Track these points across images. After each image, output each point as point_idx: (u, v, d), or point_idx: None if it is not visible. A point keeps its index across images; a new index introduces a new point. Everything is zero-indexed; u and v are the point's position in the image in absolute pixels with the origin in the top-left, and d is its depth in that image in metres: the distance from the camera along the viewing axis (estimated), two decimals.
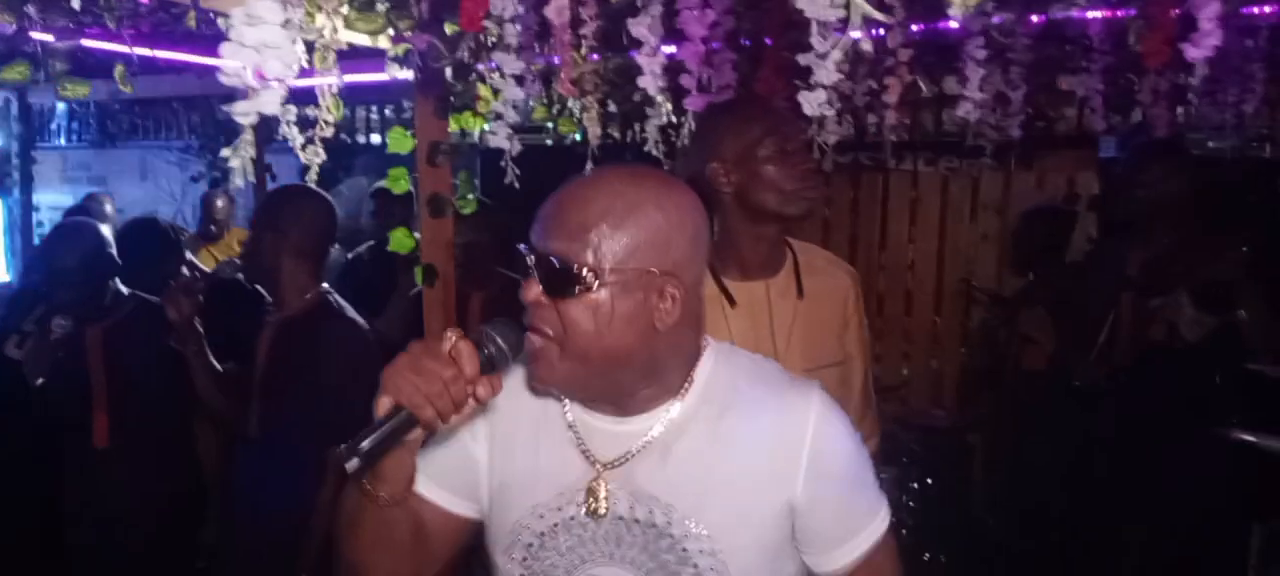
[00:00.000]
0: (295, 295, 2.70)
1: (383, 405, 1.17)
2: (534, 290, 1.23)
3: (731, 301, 1.98)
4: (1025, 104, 3.12)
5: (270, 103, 1.28)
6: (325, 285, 2.77)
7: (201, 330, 2.80)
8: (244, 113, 1.28)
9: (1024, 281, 4.22)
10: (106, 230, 3.12)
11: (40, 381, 2.95)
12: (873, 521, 1.35)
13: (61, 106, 7.83)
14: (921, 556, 3.91)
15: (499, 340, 1.23)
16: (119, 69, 2.65)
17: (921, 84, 2.74)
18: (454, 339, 1.19)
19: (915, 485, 4.05)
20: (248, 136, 1.30)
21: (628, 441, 1.30)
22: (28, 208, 5.88)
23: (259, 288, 2.89)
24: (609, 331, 1.21)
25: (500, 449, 1.38)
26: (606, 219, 1.21)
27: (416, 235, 2.70)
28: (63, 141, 8.03)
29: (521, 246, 1.26)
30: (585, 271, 1.19)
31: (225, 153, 1.34)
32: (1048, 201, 4.68)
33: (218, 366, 2.85)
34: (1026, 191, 4.87)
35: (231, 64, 1.32)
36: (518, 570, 1.35)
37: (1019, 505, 4.05)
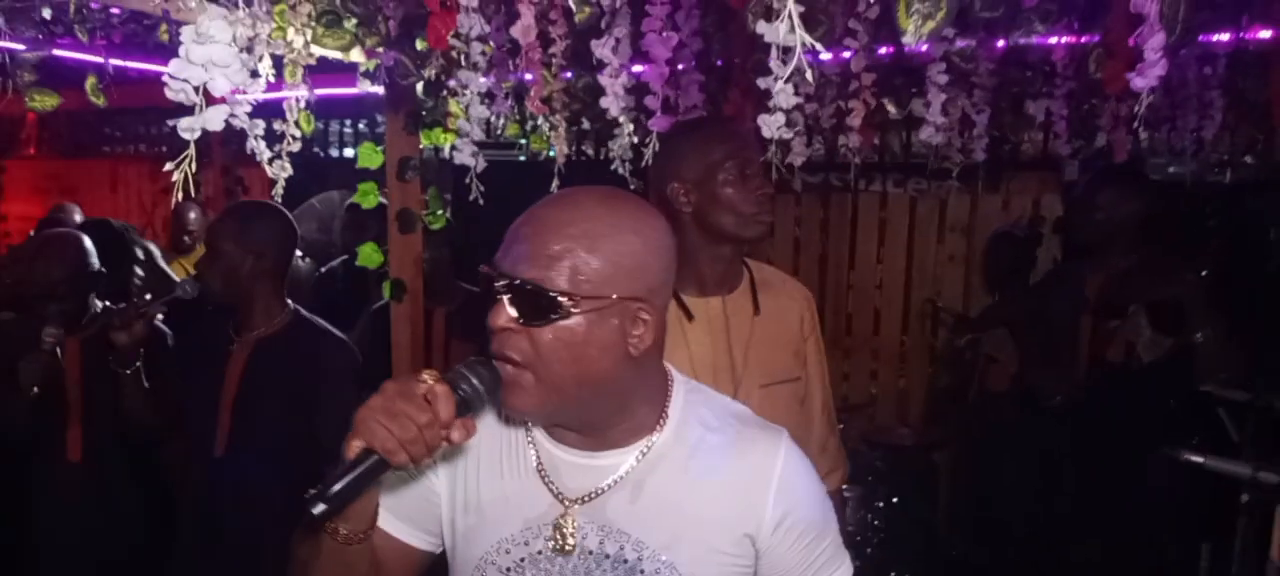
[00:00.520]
0: (268, 314, 2.69)
1: (354, 448, 1.14)
2: (504, 316, 1.19)
3: (689, 316, 2.01)
4: (990, 127, 3.18)
5: (215, 120, 1.29)
6: (291, 302, 2.77)
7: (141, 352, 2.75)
8: (188, 128, 1.28)
9: (989, 302, 4.28)
10: (88, 243, 3.11)
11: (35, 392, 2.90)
12: (838, 565, 1.37)
13: (31, 115, 7.76)
14: (887, 574, 3.95)
15: (474, 381, 1.19)
16: (90, 81, 2.64)
17: (888, 106, 2.79)
18: (429, 381, 1.15)
19: (881, 503, 4.09)
20: (191, 152, 1.30)
21: (598, 476, 1.29)
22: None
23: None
24: (584, 359, 1.19)
25: (462, 480, 1.36)
26: (582, 243, 1.18)
27: (385, 250, 2.72)
28: (33, 152, 7.95)
29: (487, 269, 1.22)
30: (560, 298, 1.16)
31: (168, 166, 1.34)
32: (1013, 223, 4.75)
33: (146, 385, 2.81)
34: (993, 213, 4.94)
35: (176, 82, 1.32)
36: None
37: (981, 523, 4.10)
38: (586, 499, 1.29)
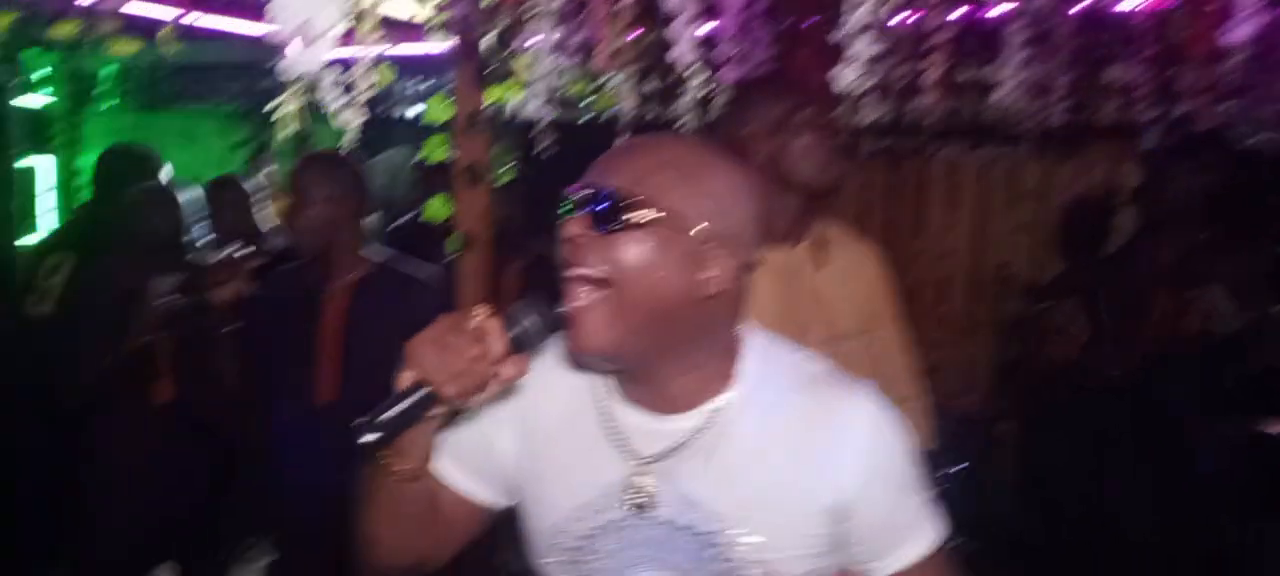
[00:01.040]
0: (353, 261, 2.72)
1: (404, 379, 1.15)
2: (577, 223, 1.17)
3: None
4: (1067, 92, 3.10)
5: (311, 60, 1.30)
6: (374, 247, 2.81)
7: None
8: (287, 70, 1.29)
9: (1059, 272, 4.18)
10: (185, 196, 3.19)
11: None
12: (920, 533, 1.31)
13: (109, 71, 7.94)
14: (952, 545, 3.90)
15: (529, 318, 1.18)
16: (164, 32, 2.69)
17: (961, 69, 2.73)
18: (481, 314, 1.15)
19: (943, 473, 4.04)
20: (295, 90, 1.32)
21: (669, 440, 1.25)
22: (71, 169, 5.95)
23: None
24: (659, 281, 1.16)
25: (531, 445, 1.33)
26: (670, 168, 1.17)
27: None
28: (110, 105, 8.15)
29: (567, 189, 1.20)
30: (639, 206, 1.15)
31: (268, 107, 1.35)
32: (1087, 192, 4.62)
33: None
34: (1066, 182, 4.81)
35: (276, 25, 1.34)
36: (559, 573, 1.32)
37: (1038, 499, 4.03)
38: (662, 466, 1.25)
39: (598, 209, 1.16)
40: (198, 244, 3.30)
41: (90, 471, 3.10)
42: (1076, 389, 3.57)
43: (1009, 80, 2.30)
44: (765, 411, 1.24)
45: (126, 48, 2.15)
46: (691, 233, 1.16)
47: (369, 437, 1.14)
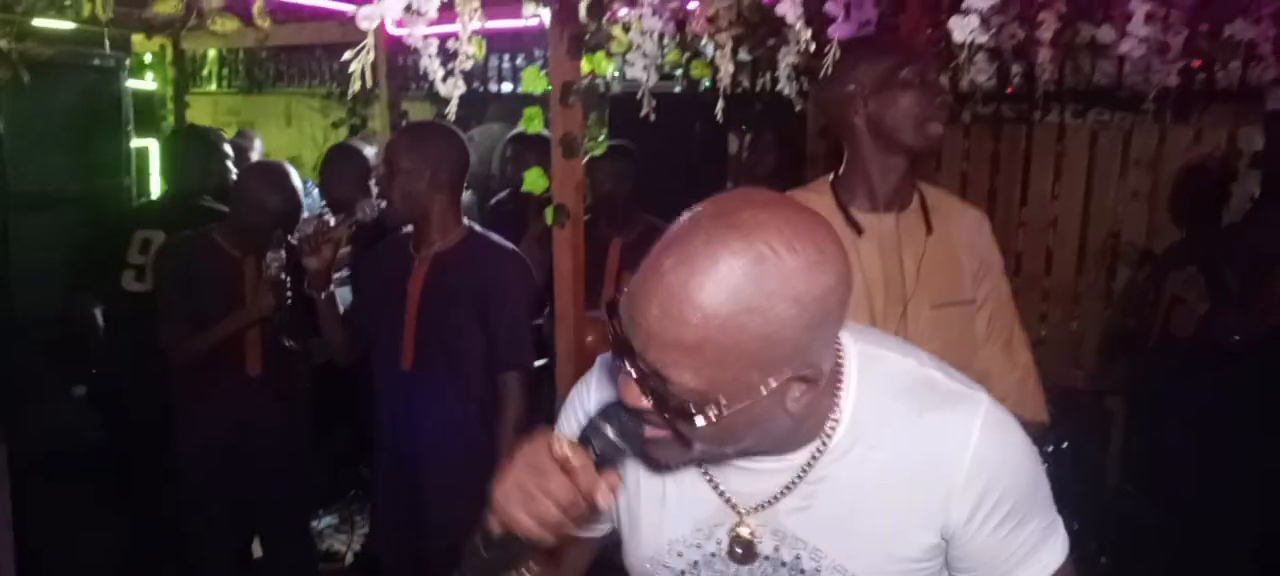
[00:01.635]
0: (445, 230, 2.76)
1: (494, 525, 1.05)
2: (635, 396, 1.02)
3: (858, 230, 1.95)
4: (1186, 51, 2.93)
5: (393, 7, 1.29)
6: (466, 220, 2.83)
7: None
8: (367, 17, 1.29)
9: (1177, 240, 4.00)
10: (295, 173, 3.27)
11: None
12: (1044, 550, 1.18)
13: (212, 53, 8.18)
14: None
15: (610, 432, 1.06)
16: (257, 4, 2.72)
17: (1077, 26, 2.60)
18: (561, 447, 1.03)
19: (1050, 448, 3.92)
20: (369, 41, 1.31)
21: (768, 479, 1.16)
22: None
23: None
24: (732, 434, 1.04)
25: (629, 471, 1.25)
26: (725, 334, 0.95)
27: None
28: (214, 87, 8.40)
29: (610, 325, 1.04)
30: (697, 405, 0.99)
31: (347, 55, 1.35)
32: (1206, 157, 4.40)
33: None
34: (1182, 147, 4.58)
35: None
36: None
37: (1158, 473, 3.87)
38: (760, 507, 1.17)
39: (651, 394, 1.01)
40: (304, 216, 3.36)
41: (185, 438, 3.21)
42: (1195, 361, 3.42)
43: (1127, 39, 2.17)
44: (871, 443, 1.14)
45: (228, 25, 2.18)
46: (766, 393, 1.00)
47: None
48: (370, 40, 1.32)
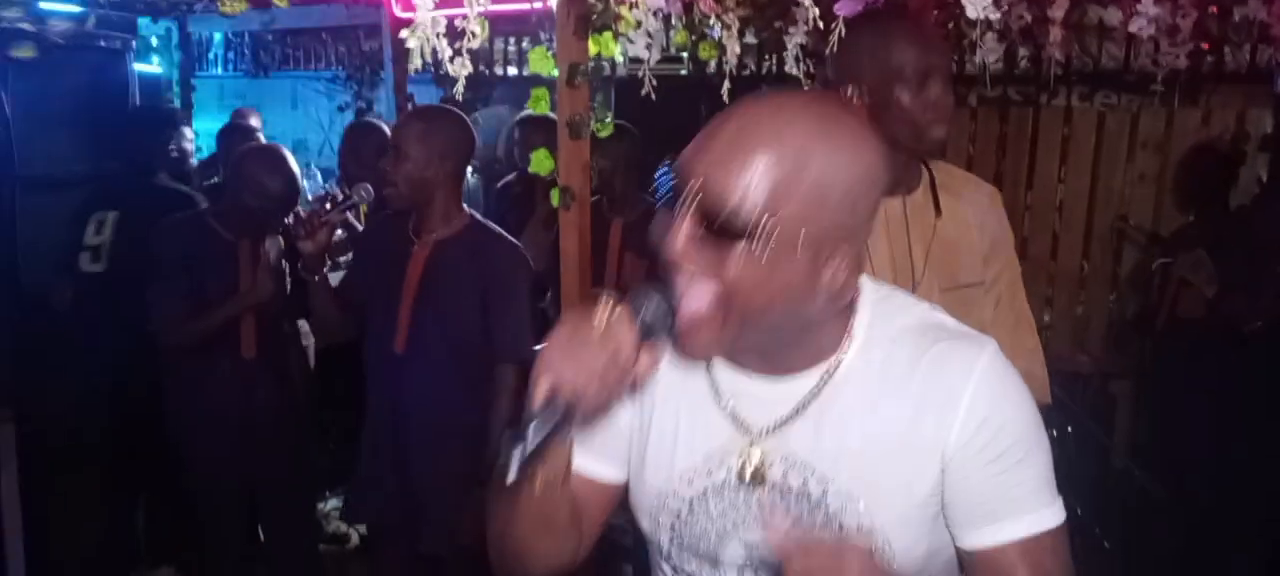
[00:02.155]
0: (447, 217, 2.77)
1: (539, 391, 1.07)
2: (687, 225, 1.07)
3: None
4: (1195, 32, 2.93)
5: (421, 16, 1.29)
6: (466, 207, 2.83)
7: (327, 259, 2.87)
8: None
9: (1184, 223, 3.98)
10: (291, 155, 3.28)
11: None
12: (1038, 508, 1.17)
13: (219, 37, 8.18)
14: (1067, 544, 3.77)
15: (654, 303, 1.09)
16: (239, 3, 2.71)
17: (1085, 7, 2.59)
18: (607, 310, 1.07)
19: (1054, 432, 3.92)
20: (424, 16, 1.31)
21: (779, 404, 1.19)
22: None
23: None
24: (773, 290, 1.07)
25: (643, 407, 1.29)
26: (795, 160, 1.04)
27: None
28: (220, 71, 8.40)
29: (665, 174, 1.11)
30: (761, 213, 1.03)
31: (403, 33, 1.35)
32: (1215, 140, 4.38)
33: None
34: (1191, 129, 4.56)
35: None
36: (666, 536, 1.28)
37: (1161, 460, 3.87)
38: (771, 430, 1.19)
39: (708, 214, 1.05)
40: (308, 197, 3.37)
41: (182, 415, 3.23)
42: (1203, 344, 3.42)
43: (1136, 18, 2.16)
44: (878, 371, 1.17)
45: (237, 5, 2.18)
46: (810, 239, 1.05)
47: (512, 476, 1.08)
48: (424, 16, 1.32)
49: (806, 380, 1.19)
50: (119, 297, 3.36)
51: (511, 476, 1.08)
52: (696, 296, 1.08)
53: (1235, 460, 3.37)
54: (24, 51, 2.91)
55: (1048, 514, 1.17)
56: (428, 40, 1.33)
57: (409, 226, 2.82)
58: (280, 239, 2.97)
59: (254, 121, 5.41)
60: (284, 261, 2.97)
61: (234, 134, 4.93)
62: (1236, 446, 3.36)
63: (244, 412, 3.19)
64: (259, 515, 3.52)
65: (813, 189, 1.04)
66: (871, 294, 1.22)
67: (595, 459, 1.32)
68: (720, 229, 1.05)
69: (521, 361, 2.72)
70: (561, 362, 1.06)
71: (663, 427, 1.27)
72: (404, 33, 1.37)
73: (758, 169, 1.03)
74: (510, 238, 2.86)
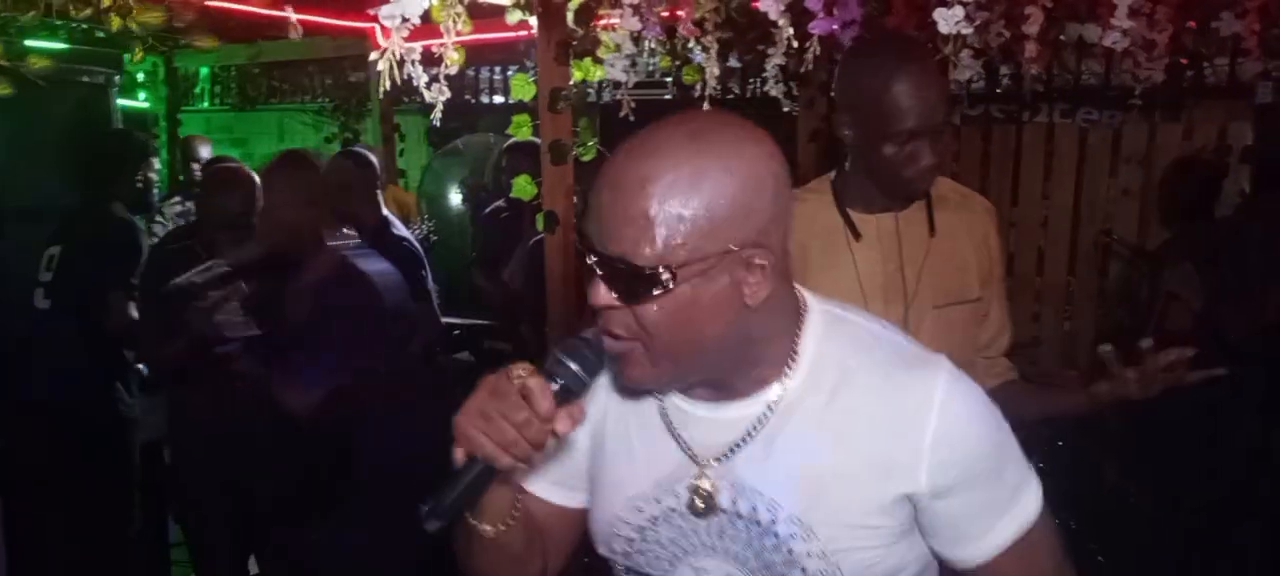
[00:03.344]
0: (316, 260, 2.77)
1: (459, 455, 1.09)
2: (602, 295, 1.09)
3: (856, 234, 1.91)
4: (1173, 47, 2.94)
5: (415, 5, 1.30)
6: (333, 244, 2.83)
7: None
8: (390, 16, 1.30)
9: (1169, 236, 4.00)
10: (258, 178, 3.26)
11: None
12: (1017, 505, 1.18)
13: (205, 71, 8.19)
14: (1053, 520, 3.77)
15: (572, 365, 1.12)
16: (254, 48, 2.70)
17: (1063, 24, 2.61)
18: (523, 375, 1.08)
19: (1044, 448, 3.91)
20: (395, 39, 1.32)
21: (729, 430, 1.18)
22: (174, 167, 6.16)
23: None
24: (696, 324, 1.08)
25: (598, 434, 1.29)
26: (671, 199, 1.04)
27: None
28: (206, 105, 8.41)
29: (579, 244, 1.12)
30: (658, 270, 1.04)
31: (373, 56, 1.36)
32: (1197, 152, 4.41)
33: None
34: (1173, 143, 4.59)
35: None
36: (620, 562, 1.28)
37: (1156, 470, 3.87)
38: (719, 457, 1.18)
39: (612, 281, 1.07)
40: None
41: (179, 433, 3.23)
42: (1191, 357, 3.42)
43: (1111, 31, 2.17)
44: (829, 395, 1.16)
45: (207, 42, 2.19)
46: (718, 262, 1.06)
47: (432, 525, 1.09)
48: (396, 38, 1.33)
49: (753, 405, 1.18)
50: (57, 336, 3.34)
51: (432, 526, 1.09)
52: (621, 344, 1.11)
53: (1224, 473, 3.37)
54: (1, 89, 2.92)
55: (1029, 502, 1.19)
56: (397, 62, 1.33)
57: (282, 274, 2.79)
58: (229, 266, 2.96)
59: (204, 151, 5.37)
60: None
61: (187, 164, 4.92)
62: (1225, 459, 3.35)
63: (235, 433, 3.16)
64: (254, 547, 3.48)
65: (699, 215, 1.04)
66: (819, 315, 1.20)
67: (551, 486, 1.32)
68: (627, 290, 1.07)
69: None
70: (475, 427, 1.07)
71: (615, 453, 1.27)
72: (373, 55, 1.38)
73: (639, 222, 1.04)
74: (375, 273, 2.85)
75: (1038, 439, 3.76)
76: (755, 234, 1.07)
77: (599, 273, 1.08)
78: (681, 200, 1.04)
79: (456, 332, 4.33)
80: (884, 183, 1.88)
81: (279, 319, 2.77)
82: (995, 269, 2.03)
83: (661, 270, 1.04)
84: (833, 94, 1.91)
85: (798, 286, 1.21)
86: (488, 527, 1.18)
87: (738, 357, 1.15)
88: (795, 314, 1.18)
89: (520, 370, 1.08)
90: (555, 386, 1.09)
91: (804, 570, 1.15)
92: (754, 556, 1.18)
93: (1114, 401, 1.93)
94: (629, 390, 1.24)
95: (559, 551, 1.34)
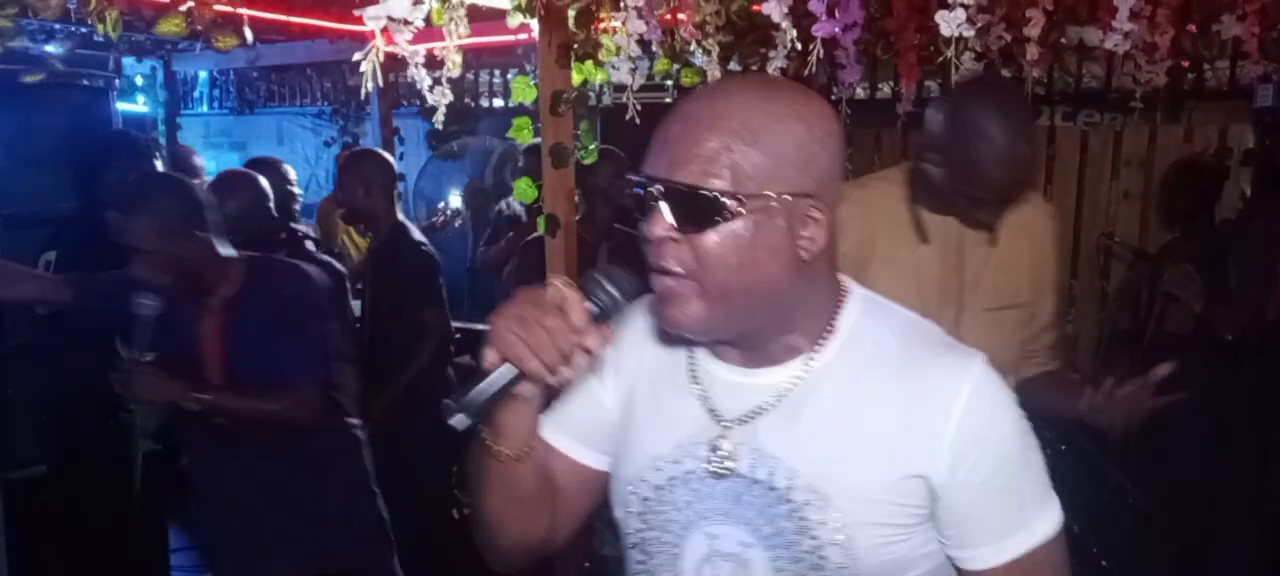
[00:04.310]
0: (222, 275, 2.61)
1: (489, 357, 1.11)
2: (661, 224, 1.10)
3: (924, 237, 1.94)
4: (1173, 50, 2.94)
5: (400, 6, 1.29)
6: (235, 252, 2.67)
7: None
8: (375, 17, 1.29)
9: (1170, 238, 4.00)
10: (265, 182, 3.25)
11: None
12: (1033, 522, 1.16)
13: (204, 75, 8.19)
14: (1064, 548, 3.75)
15: (608, 286, 1.14)
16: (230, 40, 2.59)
17: (1064, 28, 2.60)
18: (561, 288, 1.11)
19: (1048, 451, 3.89)
20: (379, 41, 1.32)
21: (755, 395, 1.19)
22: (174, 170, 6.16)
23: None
24: (753, 264, 1.09)
25: (626, 394, 1.30)
26: (741, 136, 1.07)
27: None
28: (205, 108, 8.40)
29: (636, 176, 1.13)
30: (723, 199, 1.07)
31: (357, 56, 1.35)
32: (1198, 155, 4.41)
33: None
34: (1173, 146, 4.60)
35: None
36: (635, 523, 1.27)
37: (1157, 472, 3.87)
38: (743, 420, 1.18)
39: (676, 207, 1.09)
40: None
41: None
42: (1192, 359, 3.42)
43: (1112, 34, 2.16)
44: (859, 371, 1.16)
45: (229, 42, 2.18)
46: (778, 205, 1.09)
47: (456, 420, 1.10)
48: (379, 40, 1.32)
49: (782, 373, 1.18)
50: (54, 341, 3.31)
51: (454, 420, 1.10)
52: (672, 282, 1.12)
53: (1226, 474, 3.37)
54: None
55: (1046, 522, 1.17)
56: (380, 62, 1.33)
57: (193, 297, 2.61)
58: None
59: (195, 162, 5.34)
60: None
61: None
62: (1227, 460, 3.35)
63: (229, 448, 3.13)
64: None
65: (767, 155, 1.08)
66: (861, 299, 1.22)
67: (569, 437, 1.33)
68: (691, 217, 1.09)
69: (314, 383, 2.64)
70: (509, 329, 1.10)
71: (640, 414, 1.28)
72: (357, 55, 1.37)
73: (710, 152, 1.08)
74: (294, 268, 2.76)
75: (1042, 443, 3.77)
76: (815, 186, 1.11)
77: (663, 201, 1.10)
78: (753, 137, 1.08)
79: (457, 336, 4.31)
80: (958, 211, 1.92)
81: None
82: (1047, 271, 2.06)
83: (726, 199, 1.07)
84: (924, 121, 1.90)
85: (841, 276, 1.23)
86: (505, 448, 1.19)
87: (779, 316, 1.16)
88: (836, 294, 1.21)
89: (558, 282, 1.12)
90: (591, 307, 1.12)
91: (816, 539, 1.14)
92: (767, 523, 1.17)
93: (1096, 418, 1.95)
94: (661, 352, 1.26)
95: (568, 514, 1.34)
